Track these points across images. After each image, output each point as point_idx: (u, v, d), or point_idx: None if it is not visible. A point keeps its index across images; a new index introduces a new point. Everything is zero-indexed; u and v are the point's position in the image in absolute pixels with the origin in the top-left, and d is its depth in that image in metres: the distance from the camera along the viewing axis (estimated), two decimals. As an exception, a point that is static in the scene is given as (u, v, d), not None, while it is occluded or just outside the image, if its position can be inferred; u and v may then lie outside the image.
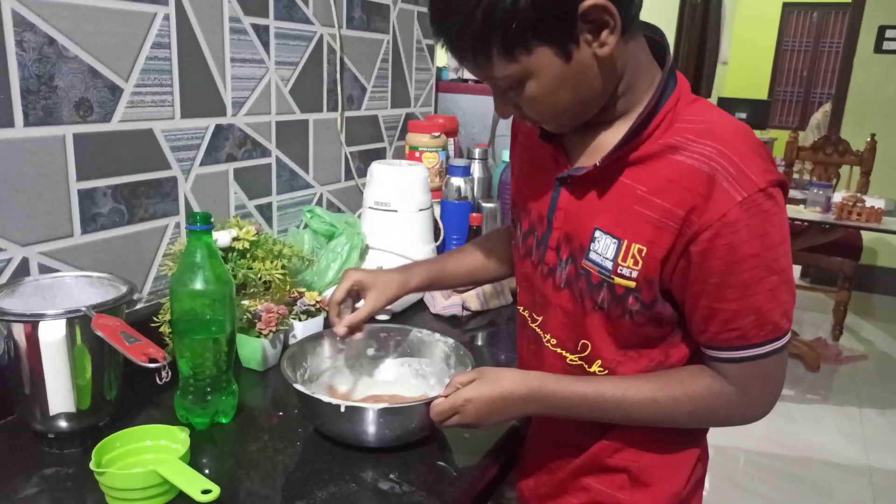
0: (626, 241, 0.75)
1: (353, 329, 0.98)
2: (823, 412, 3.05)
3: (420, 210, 1.51)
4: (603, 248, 0.78)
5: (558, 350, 0.87)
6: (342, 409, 0.86)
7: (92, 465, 0.76)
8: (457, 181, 1.66)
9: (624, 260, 0.76)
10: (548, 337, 0.88)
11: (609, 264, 0.77)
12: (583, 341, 0.84)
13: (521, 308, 0.94)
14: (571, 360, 0.85)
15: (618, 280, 0.77)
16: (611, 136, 0.78)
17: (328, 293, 1.34)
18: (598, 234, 0.78)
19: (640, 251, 0.74)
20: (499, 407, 0.81)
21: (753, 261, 0.70)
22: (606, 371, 0.83)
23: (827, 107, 6.04)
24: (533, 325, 0.91)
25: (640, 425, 0.82)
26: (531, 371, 0.87)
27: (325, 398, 0.88)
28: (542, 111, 0.76)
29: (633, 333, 0.80)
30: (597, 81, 0.73)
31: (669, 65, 0.77)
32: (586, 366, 0.84)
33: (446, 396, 0.83)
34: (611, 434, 0.85)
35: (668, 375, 0.80)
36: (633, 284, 0.76)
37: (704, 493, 0.94)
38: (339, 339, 0.99)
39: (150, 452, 0.84)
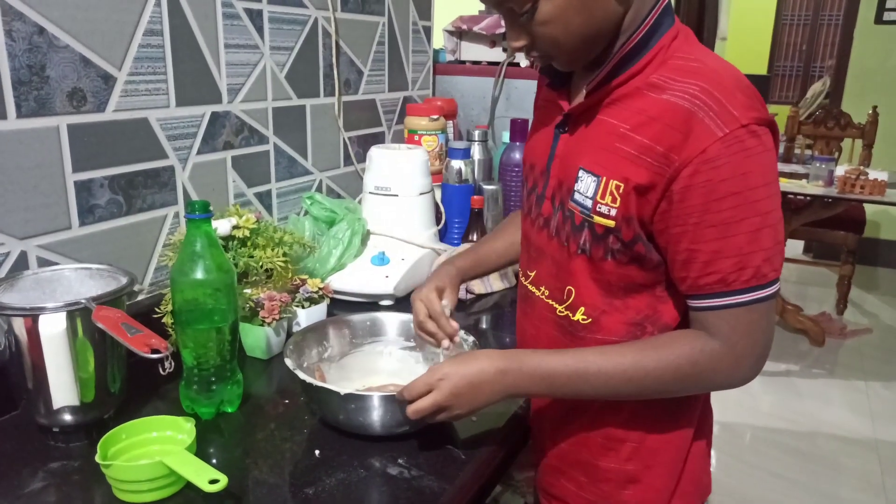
0: (604, 178, 0.75)
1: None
2: (829, 386, 3.05)
3: (421, 194, 1.50)
4: (584, 187, 0.77)
5: (550, 302, 0.86)
6: (342, 395, 0.85)
7: (98, 458, 0.76)
8: (457, 164, 1.64)
9: (602, 197, 0.75)
10: (542, 289, 0.88)
11: (589, 202, 0.77)
12: (567, 287, 0.83)
13: (521, 267, 0.95)
14: (560, 311, 0.85)
15: (597, 219, 0.76)
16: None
17: (330, 280, 1.33)
18: (581, 173, 0.78)
19: (617, 187, 0.74)
20: (475, 382, 0.78)
21: (734, 199, 0.68)
22: (590, 320, 0.82)
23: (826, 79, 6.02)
24: (526, 283, 0.91)
25: (627, 398, 0.80)
26: (510, 349, 0.86)
27: (329, 386, 0.87)
28: (555, 36, 0.74)
29: (618, 276, 0.78)
30: (608, 5, 0.73)
31: (665, 1, 0.76)
32: (571, 315, 0.83)
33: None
34: (610, 408, 0.84)
35: (651, 339, 0.79)
36: (612, 224, 0.75)
37: (711, 469, 0.94)
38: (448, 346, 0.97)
39: (156, 444, 0.83)
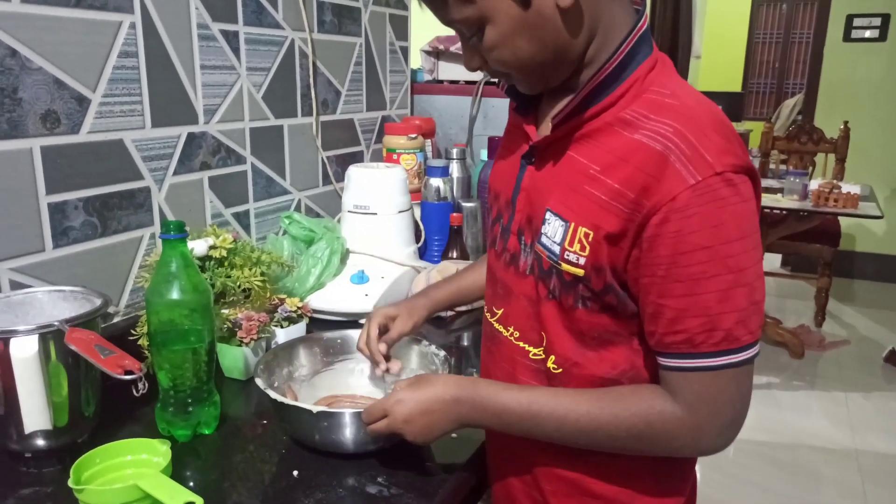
0: (573, 224, 0.70)
1: (389, 357, 0.98)
2: (809, 398, 3.08)
3: (400, 212, 1.50)
4: (552, 231, 0.72)
5: (521, 344, 0.81)
6: (314, 413, 0.84)
7: (70, 483, 0.74)
8: (436, 182, 1.65)
9: (571, 245, 0.70)
10: (511, 330, 0.82)
11: (557, 248, 0.71)
12: (541, 332, 0.78)
13: (485, 304, 0.90)
14: (535, 353, 0.79)
15: (565, 267, 0.71)
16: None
17: (309, 299, 1.33)
18: (548, 215, 0.73)
19: (586, 235, 0.69)
20: (431, 408, 0.76)
21: (704, 254, 0.63)
22: (560, 370, 0.76)
23: (799, 96, 6.15)
24: (492, 320, 0.86)
25: (582, 446, 0.74)
26: (469, 376, 0.83)
27: (300, 404, 0.86)
28: (505, 61, 0.71)
29: (590, 325, 0.73)
30: (561, 34, 0.68)
31: (642, 30, 0.71)
32: (545, 361, 0.78)
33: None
34: (590, 460, 0.77)
35: (612, 390, 0.73)
36: (580, 272, 0.70)
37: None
38: (386, 373, 1.00)
39: (130, 467, 0.82)
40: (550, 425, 0.73)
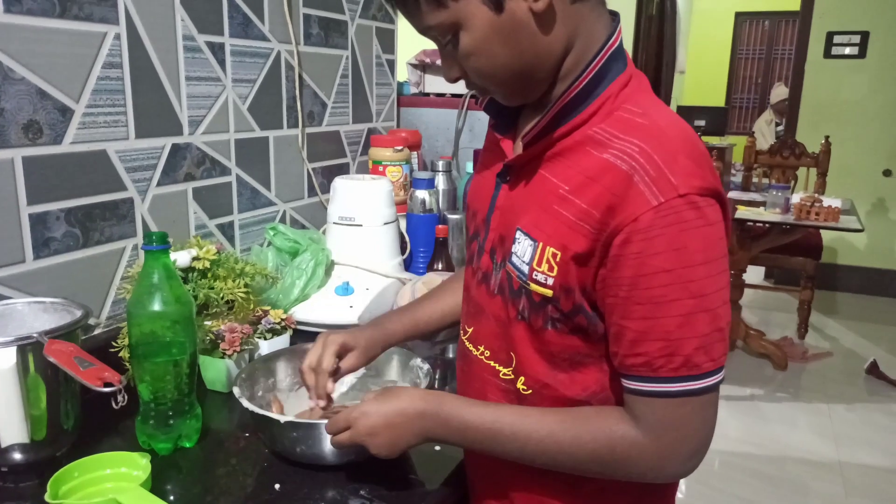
0: (541, 244, 0.69)
1: (329, 396, 0.91)
2: (794, 410, 3.10)
3: (385, 224, 1.50)
4: (522, 250, 0.72)
5: (491, 363, 0.80)
6: (282, 423, 0.84)
7: (47, 497, 0.73)
8: (421, 194, 1.65)
9: (539, 264, 0.69)
10: (481, 349, 0.81)
11: (525, 268, 0.71)
12: (510, 352, 0.77)
13: (461, 321, 0.89)
14: (505, 373, 0.78)
15: (533, 287, 0.71)
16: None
17: (293, 311, 1.32)
18: (518, 234, 0.72)
19: (554, 255, 0.68)
20: (394, 422, 0.75)
21: (665, 277, 0.62)
22: (530, 391, 0.75)
23: (766, 114, 6.23)
24: (463, 338, 0.86)
25: (545, 467, 0.73)
26: (436, 391, 0.82)
27: (270, 414, 0.86)
28: (481, 70, 0.70)
29: (561, 346, 0.72)
30: (537, 40, 0.67)
31: (613, 46, 0.70)
32: (515, 381, 0.77)
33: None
34: (565, 482, 0.76)
35: (577, 412, 0.72)
36: (549, 293, 0.69)
37: (680, 495, 0.92)
38: (318, 406, 0.91)
39: (109, 481, 0.81)
40: (513, 445, 0.72)
